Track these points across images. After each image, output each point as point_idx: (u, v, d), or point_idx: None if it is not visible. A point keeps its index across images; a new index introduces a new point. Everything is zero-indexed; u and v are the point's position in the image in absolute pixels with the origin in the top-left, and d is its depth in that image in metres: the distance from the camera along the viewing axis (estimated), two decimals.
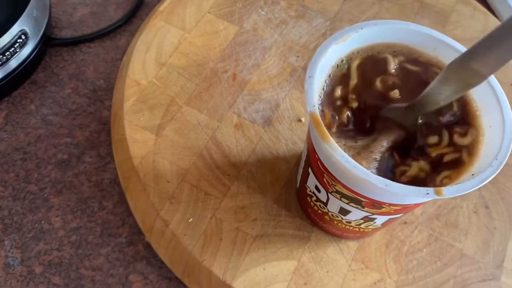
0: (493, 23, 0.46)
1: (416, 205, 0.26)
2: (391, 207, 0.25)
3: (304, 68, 0.40)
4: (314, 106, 0.23)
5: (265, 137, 0.36)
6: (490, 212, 0.35)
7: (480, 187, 0.22)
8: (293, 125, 0.37)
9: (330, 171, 0.25)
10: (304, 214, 0.33)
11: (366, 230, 0.30)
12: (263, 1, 0.43)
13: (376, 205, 0.25)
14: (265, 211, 0.33)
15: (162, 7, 0.41)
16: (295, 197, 0.34)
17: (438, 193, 0.21)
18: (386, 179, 0.21)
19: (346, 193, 0.25)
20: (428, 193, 0.21)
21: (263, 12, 0.42)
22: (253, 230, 0.32)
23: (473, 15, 0.46)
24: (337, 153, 0.22)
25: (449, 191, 0.21)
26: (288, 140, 0.36)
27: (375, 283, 0.32)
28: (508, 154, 0.23)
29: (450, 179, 0.23)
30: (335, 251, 0.32)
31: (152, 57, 0.39)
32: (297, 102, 0.38)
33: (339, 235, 0.32)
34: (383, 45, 0.27)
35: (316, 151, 0.25)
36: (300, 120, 0.37)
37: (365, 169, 0.21)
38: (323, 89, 0.26)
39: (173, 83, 0.38)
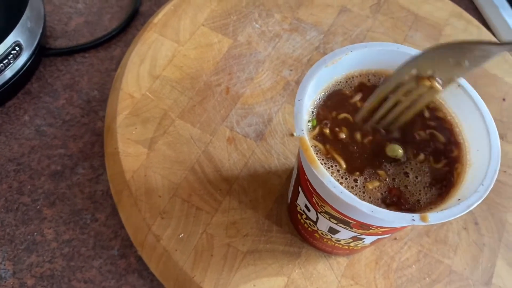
0: (487, 37, 0.46)
1: (404, 226, 0.26)
2: (378, 228, 0.25)
3: (297, 82, 0.40)
4: (302, 130, 0.23)
5: (257, 151, 0.36)
6: (480, 228, 0.35)
7: None
8: (286, 140, 0.37)
9: (319, 192, 0.25)
10: (295, 230, 0.34)
11: (355, 248, 0.30)
12: (258, 14, 0.43)
13: (364, 227, 0.25)
14: (256, 226, 0.33)
15: (156, 19, 0.41)
16: (287, 212, 0.34)
17: (423, 219, 0.21)
18: (372, 205, 0.22)
19: (335, 215, 0.25)
20: (413, 219, 0.21)
21: (257, 25, 0.42)
22: (244, 246, 0.32)
23: (466, 29, 0.46)
24: (324, 179, 0.22)
25: (435, 217, 0.22)
26: (280, 154, 0.37)
27: None
28: (494, 179, 0.23)
29: (435, 204, 0.23)
30: (325, 267, 0.33)
31: (146, 70, 0.39)
32: (289, 116, 0.38)
33: (329, 251, 0.32)
34: (368, 72, 0.27)
35: (306, 172, 0.25)
36: (292, 135, 0.37)
37: (352, 195, 0.22)
38: (312, 112, 0.26)
39: (166, 96, 0.38)
